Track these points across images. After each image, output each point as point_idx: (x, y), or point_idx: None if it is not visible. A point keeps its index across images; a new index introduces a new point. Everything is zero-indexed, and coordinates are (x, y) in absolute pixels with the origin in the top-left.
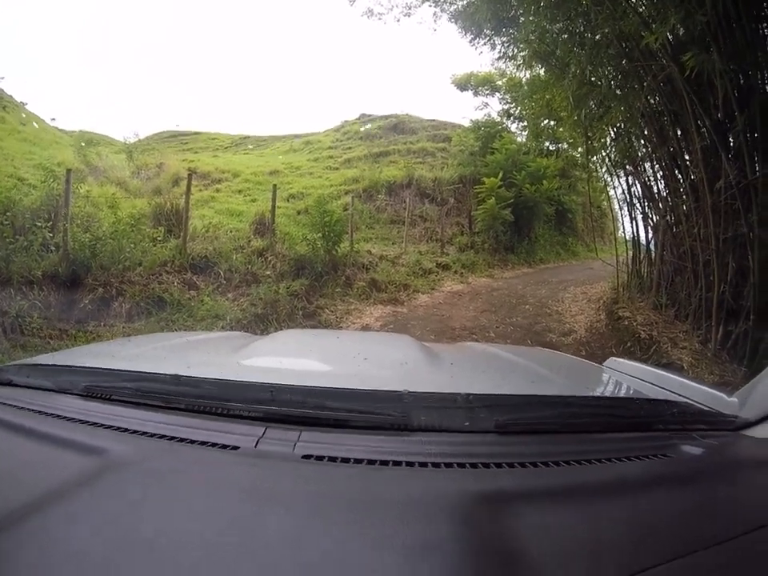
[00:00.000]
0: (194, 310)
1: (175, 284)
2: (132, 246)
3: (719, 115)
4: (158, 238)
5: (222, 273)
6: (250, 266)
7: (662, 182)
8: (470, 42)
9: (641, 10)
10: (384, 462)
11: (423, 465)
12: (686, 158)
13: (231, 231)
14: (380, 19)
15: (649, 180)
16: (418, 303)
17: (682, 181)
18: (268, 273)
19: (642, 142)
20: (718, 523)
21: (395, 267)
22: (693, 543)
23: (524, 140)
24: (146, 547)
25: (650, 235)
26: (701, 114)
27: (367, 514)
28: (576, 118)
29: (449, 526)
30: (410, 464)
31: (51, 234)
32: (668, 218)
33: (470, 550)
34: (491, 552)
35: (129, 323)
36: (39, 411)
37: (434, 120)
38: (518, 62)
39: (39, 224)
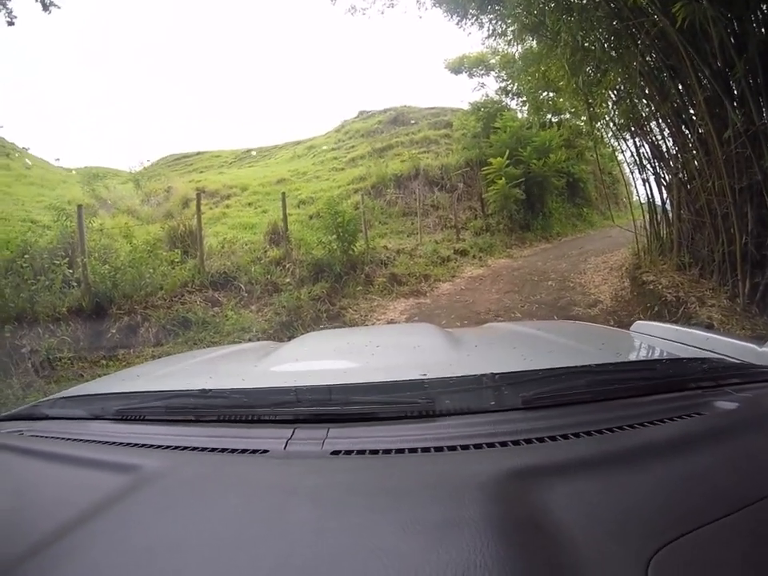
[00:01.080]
0: (220, 325)
1: (198, 303)
2: (151, 271)
3: (718, 64)
4: (176, 260)
5: (242, 286)
6: (269, 276)
7: (670, 139)
8: (457, 23)
9: None
10: (412, 450)
11: (452, 448)
12: (691, 111)
13: (246, 244)
14: (364, 14)
15: (656, 139)
16: (440, 292)
17: (689, 135)
18: (288, 280)
19: (645, 101)
20: (757, 478)
21: (413, 259)
22: (736, 501)
23: (525, 115)
24: (176, 552)
25: (665, 195)
26: (699, 65)
27: (394, 499)
28: (574, 86)
29: (478, 504)
30: (438, 449)
31: (71, 270)
32: (680, 175)
33: (501, 525)
34: (523, 525)
35: (157, 347)
36: (74, 439)
37: (433, 107)
38: (509, 38)
39: (57, 262)
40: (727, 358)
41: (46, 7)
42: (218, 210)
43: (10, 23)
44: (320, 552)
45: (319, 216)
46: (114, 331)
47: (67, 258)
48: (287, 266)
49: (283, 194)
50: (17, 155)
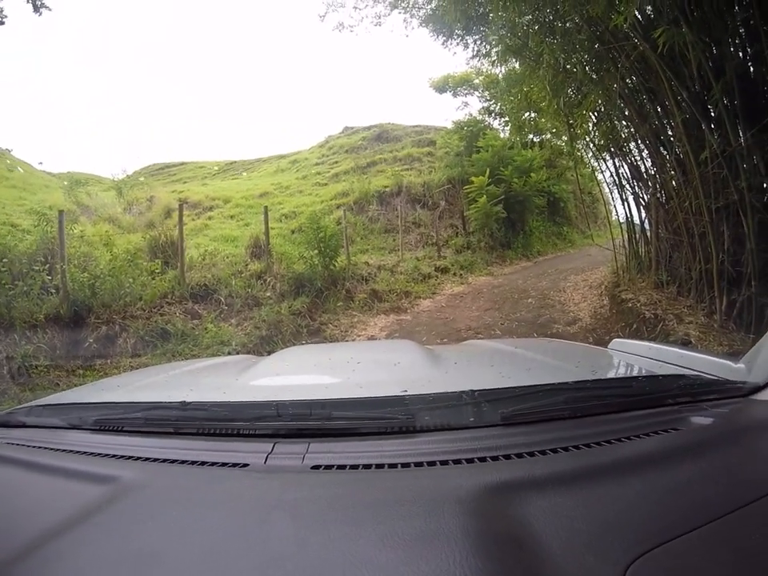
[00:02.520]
0: (199, 338)
1: (177, 314)
2: (131, 281)
3: (696, 87)
4: (156, 271)
5: (222, 299)
6: (249, 290)
7: (649, 160)
8: (443, 43)
9: None
10: (392, 465)
11: (432, 464)
12: (669, 133)
13: (228, 257)
14: (351, 31)
15: (635, 160)
16: (420, 309)
17: (667, 156)
18: (268, 294)
19: (624, 122)
20: (732, 490)
21: (394, 275)
22: (709, 512)
23: (507, 135)
24: (155, 564)
25: (644, 215)
26: (677, 88)
27: (374, 513)
28: (555, 106)
29: (457, 518)
30: (418, 464)
31: (50, 277)
32: (658, 195)
33: (480, 539)
34: (501, 539)
35: (135, 357)
36: (51, 448)
37: (417, 125)
38: (493, 59)
39: (36, 268)
40: (703, 375)
41: (36, 9)
42: (199, 222)
43: (0, 23)
44: (301, 565)
45: (301, 230)
46: (91, 340)
47: (47, 264)
48: (268, 279)
49: (266, 207)
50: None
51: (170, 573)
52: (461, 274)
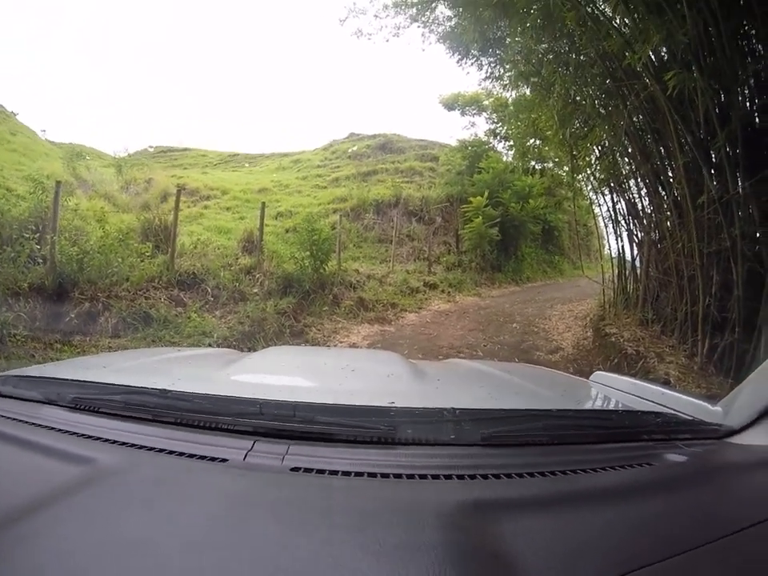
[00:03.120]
0: (181, 326)
1: (162, 300)
2: (120, 260)
3: (701, 132)
4: (146, 254)
5: (209, 290)
6: (237, 284)
7: (646, 198)
8: (458, 62)
9: (624, 30)
10: (372, 475)
11: (410, 477)
12: (669, 174)
13: (219, 248)
14: (369, 39)
15: (633, 197)
16: (405, 322)
17: (665, 197)
18: (255, 291)
19: (626, 159)
20: (699, 527)
21: (383, 286)
22: (675, 546)
23: (510, 159)
24: (132, 551)
25: (635, 252)
26: (683, 132)
27: (355, 520)
28: (561, 136)
29: (436, 532)
30: (397, 476)
31: (39, 246)
32: (652, 234)
33: (457, 553)
34: (480, 553)
35: (115, 338)
36: (26, 422)
37: (422, 139)
38: (505, 82)
39: (27, 235)
40: (680, 414)
41: None
42: (195, 210)
43: None
44: (283, 566)
45: (295, 230)
46: (72, 315)
47: (37, 233)
48: (257, 276)
49: (263, 203)
50: (5, 118)
51: (150, 561)
52: (449, 292)
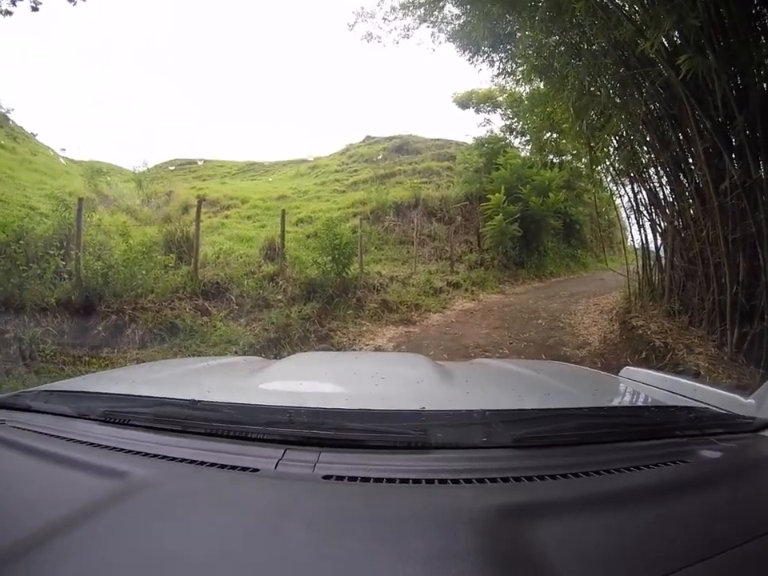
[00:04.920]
0: (207, 335)
1: (187, 310)
2: (144, 273)
3: (719, 116)
4: (170, 265)
5: (233, 298)
6: (261, 291)
7: (668, 187)
8: (469, 59)
9: (635, 17)
10: (404, 481)
11: (443, 482)
12: (690, 161)
13: (241, 257)
14: (379, 42)
15: (654, 186)
16: (429, 323)
17: (687, 184)
18: (279, 297)
19: (645, 148)
20: (738, 525)
21: (406, 287)
22: (714, 546)
23: (527, 154)
24: (171, 565)
25: (659, 242)
26: (701, 117)
27: (388, 529)
28: (578, 128)
29: (471, 538)
30: (429, 481)
31: (64, 262)
32: (675, 223)
33: (494, 560)
34: (516, 560)
35: (142, 349)
36: (58, 436)
37: (437, 139)
38: (518, 77)
39: (52, 252)
40: (712, 408)
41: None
42: (216, 220)
43: (34, 8)
44: None
45: (316, 236)
46: (100, 329)
47: (62, 250)
48: (280, 282)
49: (283, 210)
50: (25, 139)
51: (190, 575)
52: (472, 290)
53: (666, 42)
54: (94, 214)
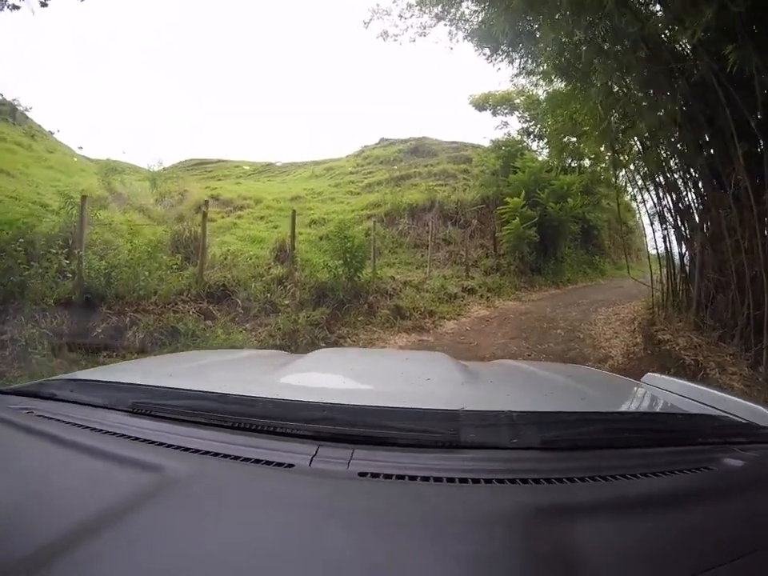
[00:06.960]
0: (209, 340)
1: (191, 313)
2: (147, 273)
3: (759, 116)
4: (175, 266)
5: (239, 302)
6: (269, 295)
7: (697, 192)
8: (487, 58)
9: (670, 5)
10: (437, 479)
11: (476, 481)
12: (726, 165)
13: (251, 258)
14: (395, 40)
15: (681, 192)
16: (443, 330)
17: (722, 191)
18: (287, 302)
19: (674, 151)
20: (758, 533)
21: (419, 293)
22: (734, 552)
23: (545, 158)
24: (210, 562)
25: (684, 250)
26: (740, 117)
27: (426, 528)
28: (602, 130)
29: (507, 539)
30: (462, 480)
31: (67, 261)
32: (705, 230)
33: (531, 561)
34: (549, 561)
35: (141, 353)
36: (87, 426)
37: (453, 141)
38: (538, 77)
39: (54, 251)
40: (735, 418)
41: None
42: (229, 220)
43: (43, 4)
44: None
45: (329, 238)
46: (99, 330)
47: (66, 248)
48: (288, 286)
49: (294, 211)
50: (42, 137)
51: (230, 572)
52: (488, 297)
53: (701, 35)
54: (104, 212)
